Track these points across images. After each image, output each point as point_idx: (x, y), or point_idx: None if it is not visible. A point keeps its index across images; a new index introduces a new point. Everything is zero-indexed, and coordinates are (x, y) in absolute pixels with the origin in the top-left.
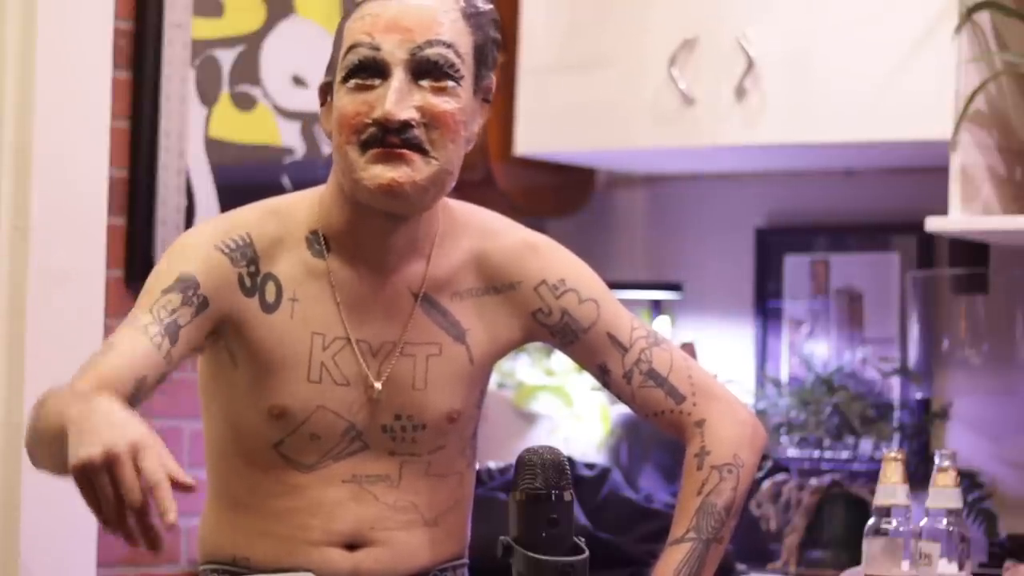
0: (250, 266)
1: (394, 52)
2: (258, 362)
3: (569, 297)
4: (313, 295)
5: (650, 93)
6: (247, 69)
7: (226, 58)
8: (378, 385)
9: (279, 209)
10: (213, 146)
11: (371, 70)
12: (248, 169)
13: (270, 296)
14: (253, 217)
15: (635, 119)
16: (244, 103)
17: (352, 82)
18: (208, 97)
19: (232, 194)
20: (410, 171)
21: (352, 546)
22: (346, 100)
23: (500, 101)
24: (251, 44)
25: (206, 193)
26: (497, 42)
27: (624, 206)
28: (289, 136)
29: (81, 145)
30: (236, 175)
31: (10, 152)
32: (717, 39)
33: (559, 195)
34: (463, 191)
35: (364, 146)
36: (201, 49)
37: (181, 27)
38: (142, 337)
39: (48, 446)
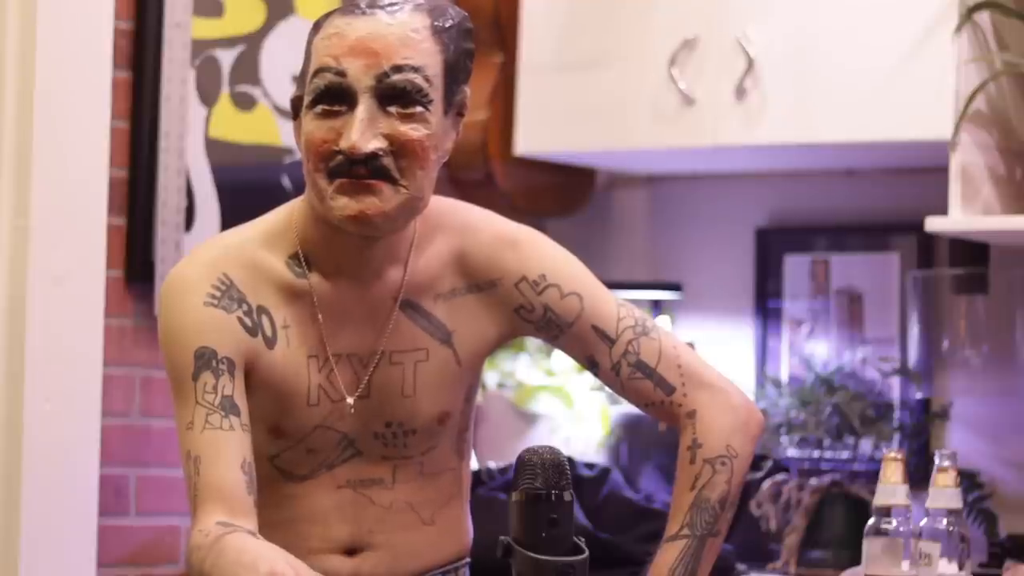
0: (242, 305)
1: (360, 78)
2: (262, 393)
3: (551, 292)
4: (301, 317)
5: (650, 93)
6: (247, 69)
7: (226, 58)
8: (350, 400)
9: (251, 240)
10: (213, 146)
11: (337, 96)
12: (248, 169)
13: (268, 330)
14: (225, 256)
15: (635, 119)
16: (244, 103)
17: (319, 107)
18: (208, 97)
19: (232, 194)
20: (378, 201)
21: (351, 551)
22: (313, 126)
23: (500, 101)
24: (251, 44)
25: (206, 193)
26: (470, 53)
27: (624, 206)
28: (289, 136)
29: (81, 145)
30: (236, 175)
31: (10, 152)
32: (717, 39)
33: (559, 195)
34: (463, 191)
35: (332, 175)
36: (201, 49)
37: (181, 27)
38: (215, 434)
39: None
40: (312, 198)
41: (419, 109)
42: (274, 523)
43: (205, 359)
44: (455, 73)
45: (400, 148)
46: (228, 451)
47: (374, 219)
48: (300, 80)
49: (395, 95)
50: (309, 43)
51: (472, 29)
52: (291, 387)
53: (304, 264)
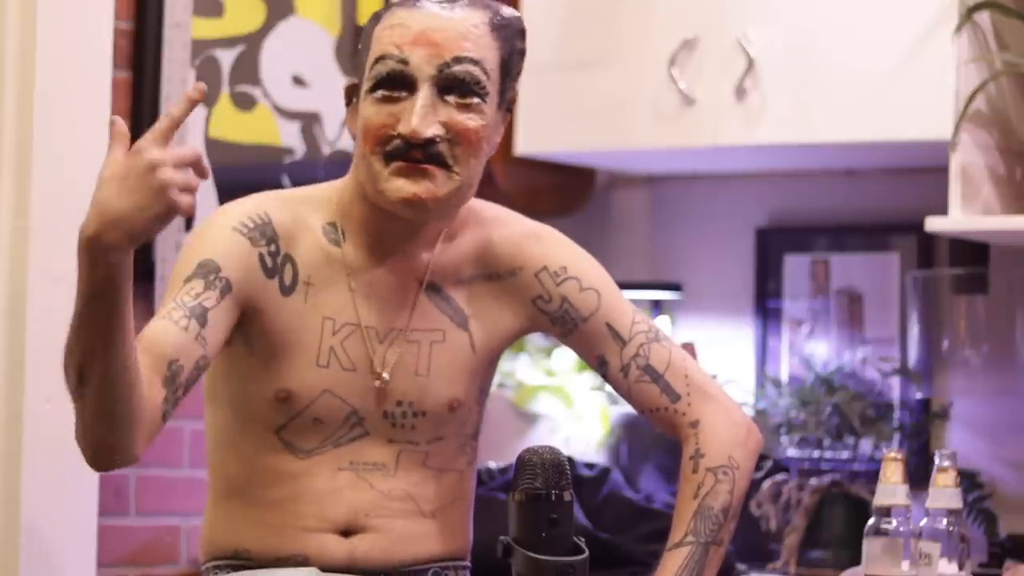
0: (270, 245)
1: (422, 67)
2: (270, 345)
3: (570, 284)
4: (327, 280)
5: (650, 93)
6: (247, 69)
7: (226, 58)
8: (386, 375)
9: (297, 197)
10: (213, 146)
11: (398, 83)
12: (248, 169)
13: (288, 279)
14: (272, 199)
15: (635, 119)
16: (244, 103)
17: (379, 93)
18: (208, 97)
19: (232, 194)
20: (432, 186)
21: (347, 532)
22: (372, 111)
23: None
24: (251, 44)
25: (206, 193)
26: (522, 53)
27: (624, 206)
28: (289, 136)
29: (81, 145)
30: (236, 175)
31: (10, 152)
32: (717, 39)
33: (559, 195)
34: None
35: (388, 158)
36: (201, 49)
37: (181, 27)
38: (166, 323)
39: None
40: (364, 181)
41: (476, 100)
42: (270, 502)
43: (205, 270)
44: (509, 69)
45: (456, 136)
46: (168, 344)
47: (427, 202)
48: (356, 68)
49: (454, 85)
50: (368, 34)
51: (525, 30)
52: (299, 341)
53: (341, 235)
